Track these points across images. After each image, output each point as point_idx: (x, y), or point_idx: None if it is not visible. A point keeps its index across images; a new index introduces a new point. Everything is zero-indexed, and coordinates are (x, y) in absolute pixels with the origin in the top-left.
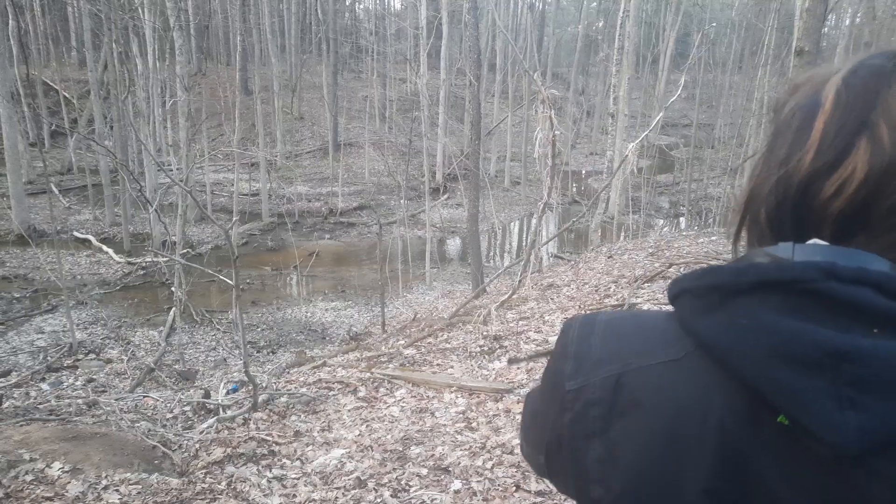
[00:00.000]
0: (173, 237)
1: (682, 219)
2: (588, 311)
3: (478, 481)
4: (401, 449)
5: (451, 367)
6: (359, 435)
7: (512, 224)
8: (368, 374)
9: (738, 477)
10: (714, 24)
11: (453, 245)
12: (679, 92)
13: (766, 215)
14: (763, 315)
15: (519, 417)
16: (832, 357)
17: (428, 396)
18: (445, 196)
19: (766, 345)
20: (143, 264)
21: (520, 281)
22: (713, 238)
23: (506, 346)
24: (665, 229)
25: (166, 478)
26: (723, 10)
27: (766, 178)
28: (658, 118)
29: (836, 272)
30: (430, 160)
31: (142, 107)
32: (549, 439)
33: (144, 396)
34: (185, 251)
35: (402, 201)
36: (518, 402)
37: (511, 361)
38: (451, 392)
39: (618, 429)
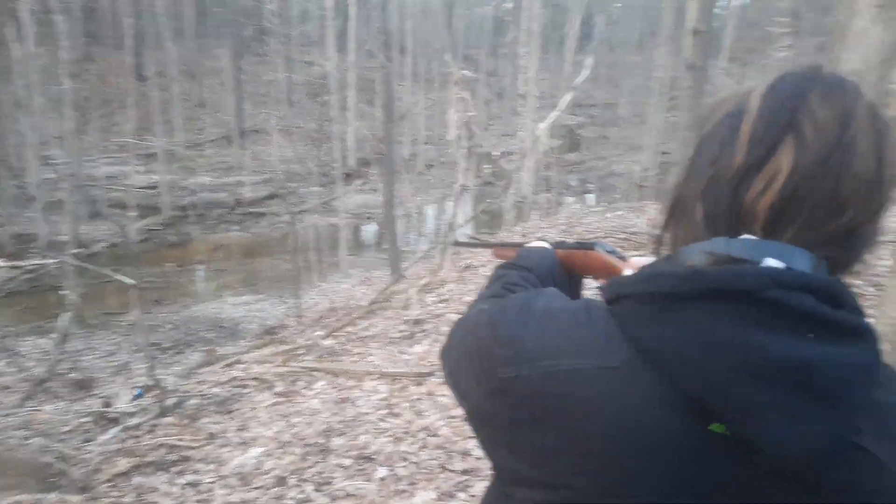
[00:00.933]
0: (63, 236)
1: (589, 195)
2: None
3: (403, 466)
4: (323, 441)
5: (372, 354)
6: (278, 431)
7: (428, 207)
8: (285, 369)
9: (677, 491)
10: (619, 5)
11: (369, 231)
12: (587, 72)
13: (703, 213)
14: (717, 328)
15: (442, 399)
16: (784, 370)
17: (348, 386)
18: (359, 181)
19: (722, 359)
20: (30, 267)
21: (440, 264)
22: (619, 213)
23: (427, 330)
24: (575, 206)
25: (65, 496)
26: None
27: (696, 177)
28: (568, 98)
29: (781, 280)
30: (342, 145)
31: (21, 96)
32: (475, 406)
33: (36, 410)
34: (77, 251)
35: (314, 188)
36: (440, 385)
37: (456, 244)
38: (373, 380)
39: (553, 424)
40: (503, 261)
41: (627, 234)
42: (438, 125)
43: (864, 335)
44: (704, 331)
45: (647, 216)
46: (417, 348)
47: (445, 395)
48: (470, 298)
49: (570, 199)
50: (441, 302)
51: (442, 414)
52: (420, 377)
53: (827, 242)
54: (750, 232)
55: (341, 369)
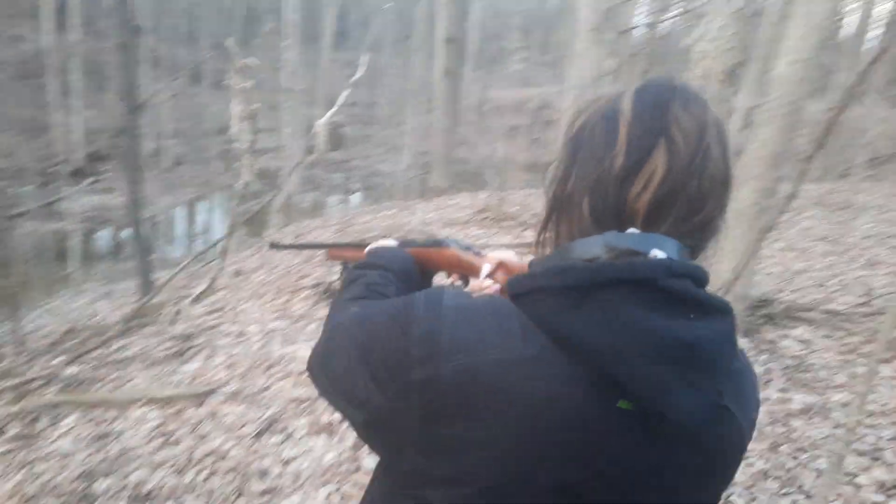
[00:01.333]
0: None
1: (355, 195)
2: (430, 289)
3: (192, 498)
4: (84, 486)
5: (134, 378)
6: (18, 483)
7: (178, 209)
8: (17, 408)
9: (592, 466)
10: (391, 4)
11: (106, 237)
12: (363, 70)
13: (590, 209)
14: (624, 314)
15: (228, 419)
16: (678, 348)
17: (108, 418)
18: (91, 180)
19: (630, 342)
20: None
21: (217, 270)
22: (392, 211)
23: (200, 344)
24: (340, 206)
25: None
26: None
27: (581, 175)
28: (344, 96)
29: (671, 269)
30: (66, 137)
31: None
32: (376, 410)
33: None
34: None
35: (28, 188)
36: (223, 403)
37: (272, 245)
38: (140, 407)
39: (471, 417)
40: (340, 262)
41: (403, 232)
42: (187, 117)
43: (725, 311)
44: (614, 317)
45: (418, 215)
46: (191, 366)
47: (231, 414)
48: (246, 306)
49: (334, 199)
50: (212, 312)
51: (230, 434)
52: (199, 397)
53: (690, 233)
54: (633, 226)
55: (98, 400)
